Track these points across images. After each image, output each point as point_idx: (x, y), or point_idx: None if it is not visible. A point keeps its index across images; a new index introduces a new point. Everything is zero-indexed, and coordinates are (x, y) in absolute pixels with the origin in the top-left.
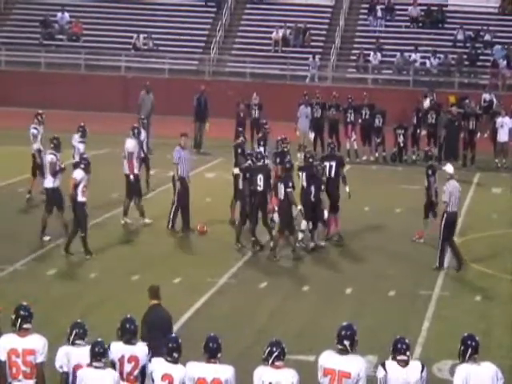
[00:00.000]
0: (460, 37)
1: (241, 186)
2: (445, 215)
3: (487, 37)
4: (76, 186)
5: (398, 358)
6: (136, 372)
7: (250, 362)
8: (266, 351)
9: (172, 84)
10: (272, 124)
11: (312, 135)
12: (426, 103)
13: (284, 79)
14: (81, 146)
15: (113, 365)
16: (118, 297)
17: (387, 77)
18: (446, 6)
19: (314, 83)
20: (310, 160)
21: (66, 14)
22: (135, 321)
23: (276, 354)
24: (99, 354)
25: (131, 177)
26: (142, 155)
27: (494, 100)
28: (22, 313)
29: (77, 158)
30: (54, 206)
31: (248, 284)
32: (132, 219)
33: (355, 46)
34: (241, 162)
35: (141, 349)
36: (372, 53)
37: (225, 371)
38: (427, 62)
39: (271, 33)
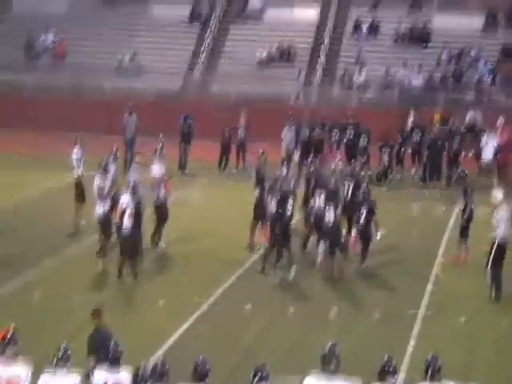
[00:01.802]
0: (444, 55)
1: (273, 209)
2: (496, 242)
3: (471, 54)
4: (123, 212)
5: (385, 381)
6: None
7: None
8: (251, 374)
9: (156, 105)
10: (257, 145)
11: (297, 155)
12: (410, 122)
13: (269, 99)
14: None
15: None
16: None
17: (372, 95)
18: (431, 24)
19: (299, 103)
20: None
21: (50, 34)
22: (119, 345)
23: (260, 376)
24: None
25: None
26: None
27: (479, 118)
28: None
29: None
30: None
31: (233, 306)
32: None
33: (340, 64)
34: (258, 183)
35: (125, 376)
36: (356, 71)
37: None
38: (412, 80)
39: (256, 52)
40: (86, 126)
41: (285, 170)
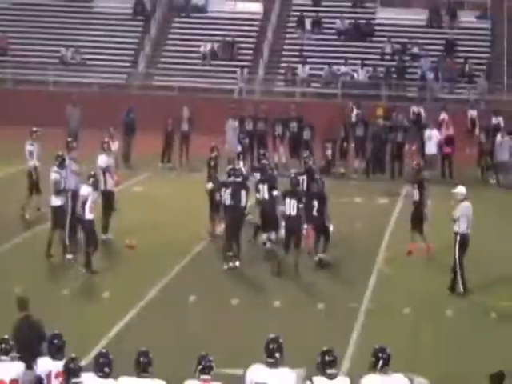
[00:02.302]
0: (388, 49)
1: (228, 202)
2: (458, 237)
3: (415, 49)
4: (84, 203)
5: (326, 371)
6: None
7: (181, 377)
8: (195, 365)
9: (100, 98)
10: (200, 138)
11: (239, 148)
12: (354, 116)
13: (212, 93)
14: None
15: (40, 381)
16: (46, 312)
17: (315, 90)
18: (374, 19)
19: (242, 96)
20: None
21: None
22: (62, 336)
23: (204, 367)
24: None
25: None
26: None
27: (422, 113)
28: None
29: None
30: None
31: (177, 298)
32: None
33: (283, 59)
34: (212, 176)
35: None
36: (300, 66)
37: None
38: (355, 74)
39: (199, 46)
40: (28, 119)
41: (240, 163)
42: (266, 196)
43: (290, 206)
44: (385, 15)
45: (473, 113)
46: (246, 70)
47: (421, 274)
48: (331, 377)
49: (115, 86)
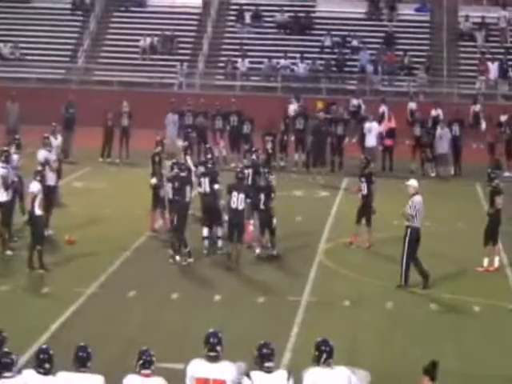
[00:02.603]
0: (327, 42)
1: (170, 196)
2: (409, 230)
3: (354, 42)
4: (34, 199)
5: (264, 365)
6: None
7: (120, 371)
8: (135, 360)
9: (39, 93)
10: (140, 132)
11: (181, 143)
12: (294, 109)
13: (152, 87)
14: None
15: None
16: None
17: (255, 83)
18: (314, 12)
19: (182, 91)
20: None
21: None
22: (2, 331)
23: (144, 362)
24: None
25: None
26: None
27: (362, 105)
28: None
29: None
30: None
31: (117, 293)
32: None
33: (223, 52)
34: (156, 171)
35: None
36: (240, 60)
37: (94, 380)
38: (295, 68)
39: (139, 41)
40: None
41: (188, 157)
42: (208, 190)
43: (238, 200)
44: (324, 8)
45: (412, 105)
46: (185, 64)
47: (361, 267)
48: (269, 370)
49: (54, 81)
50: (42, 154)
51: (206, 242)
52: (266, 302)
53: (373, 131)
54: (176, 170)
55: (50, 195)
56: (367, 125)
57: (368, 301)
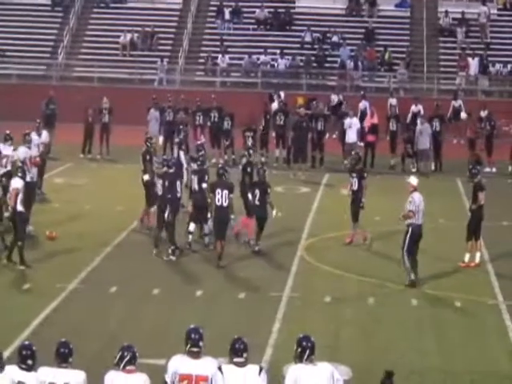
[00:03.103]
0: (308, 38)
1: (159, 192)
2: (410, 228)
3: (334, 38)
4: (16, 195)
5: (235, 359)
6: None
7: (102, 367)
8: (118, 356)
9: (19, 89)
10: (121, 128)
11: (161, 139)
12: (274, 105)
13: (132, 83)
14: (11, 153)
15: None
16: None
17: (235, 79)
18: (294, 8)
19: (163, 87)
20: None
21: None
22: None
23: (127, 358)
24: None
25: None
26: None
27: (342, 101)
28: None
29: (9, 167)
30: None
31: (98, 289)
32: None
33: (203, 48)
34: (148, 168)
35: None
36: (220, 55)
37: (76, 376)
38: (275, 64)
39: (119, 37)
40: None
41: (181, 154)
42: (197, 187)
43: (222, 197)
44: (304, 4)
45: (392, 101)
46: (165, 60)
47: (343, 263)
48: (241, 365)
49: (34, 77)
50: (22, 151)
51: (191, 237)
52: (247, 298)
53: (353, 127)
54: (165, 168)
55: (30, 191)
56: (347, 121)
57: (350, 297)
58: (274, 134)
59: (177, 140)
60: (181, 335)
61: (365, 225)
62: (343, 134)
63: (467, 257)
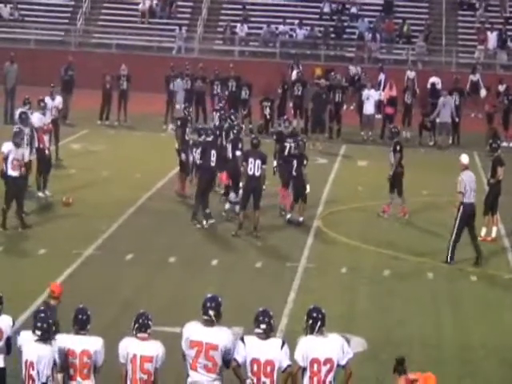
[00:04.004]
0: (326, 9)
1: (198, 161)
2: (461, 207)
3: (353, 9)
4: (5, 159)
5: (257, 330)
6: (1, 343)
7: (118, 334)
8: (133, 323)
9: (38, 54)
10: (139, 95)
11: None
12: (293, 75)
13: (151, 51)
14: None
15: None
16: None
17: (254, 49)
18: None
19: (181, 55)
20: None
21: None
22: None
23: (142, 325)
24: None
25: (46, 151)
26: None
27: (360, 73)
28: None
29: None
30: None
31: (114, 256)
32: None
33: (222, 17)
34: (179, 135)
35: (4, 320)
36: (239, 25)
37: (94, 343)
38: (294, 34)
39: (138, 4)
40: None
41: (216, 119)
42: (230, 155)
43: (255, 167)
44: None
45: (410, 74)
46: (184, 29)
47: (359, 234)
48: (263, 337)
49: (53, 42)
50: (36, 117)
51: (228, 206)
52: (263, 267)
53: (371, 99)
54: (203, 135)
55: (45, 158)
56: (365, 92)
57: (366, 268)
58: (291, 105)
59: (217, 107)
60: (196, 304)
61: (381, 198)
62: (361, 105)
63: (484, 231)
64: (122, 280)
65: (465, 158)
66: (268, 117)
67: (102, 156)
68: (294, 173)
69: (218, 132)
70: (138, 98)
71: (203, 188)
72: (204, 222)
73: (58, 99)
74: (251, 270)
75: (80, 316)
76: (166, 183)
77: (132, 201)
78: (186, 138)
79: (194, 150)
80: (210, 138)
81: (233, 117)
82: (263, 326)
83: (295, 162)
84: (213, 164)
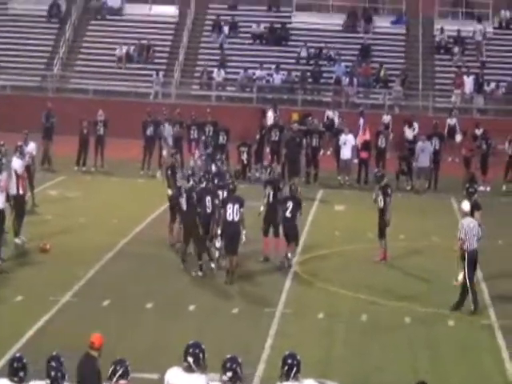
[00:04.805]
0: (303, 54)
1: (184, 208)
2: (466, 254)
3: (330, 54)
4: None
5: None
6: None
7: None
8: (110, 370)
9: (15, 100)
10: (116, 141)
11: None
12: (270, 120)
13: (128, 96)
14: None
15: None
16: None
17: (231, 94)
18: (290, 23)
19: (158, 100)
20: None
21: None
22: None
23: (120, 372)
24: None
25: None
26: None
27: (336, 118)
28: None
29: None
30: None
31: (91, 302)
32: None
33: (199, 62)
34: (171, 183)
35: None
36: (216, 70)
37: None
38: (271, 79)
39: (115, 49)
40: None
41: (213, 167)
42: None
43: (233, 212)
44: (300, 19)
45: (386, 118)
46: (161, 74)
47: (336, 279)
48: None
49: (30, 88)
50: (18, 164)
51: (217, 253)
52: (240, 313)
53: (348, 144)
54: (192, 182)
55: (23, 204)
56: (343, 137)
57: (343, 313)
58: (268, 149)
59: (208, 152)
60: (173, 350)
61: (357, 241)
62: (338, 150)
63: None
64: (99, 327)
65: (466, 205)
66: (245, 162)
67: (79, 202)
68: (288, 214)
69: (209, 177)
70: (115, 143)
71: (201, 234)
72: (199, 272)
73: (32, 145)
74: (229, 316)
75: (52, 363)
76: (144, 228)
77: (109, 246)
78: (178, 184)
79: (183, 196)
80: (203, 185)
81: (219, 163)
82: (229, 374)
83: (291, 204)
84: (209, 210)
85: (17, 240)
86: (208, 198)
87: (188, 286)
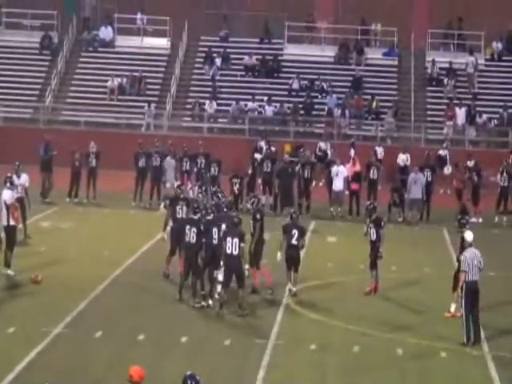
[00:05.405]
0: (295, 85)
1: (193, 240)
2: (464, 285)
3: (322, 86)
4: None
5: None
6: None
7: None
8: None
9: (7, 132)
10: (108, 172)
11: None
12: (261, 146)
13: (120, 128)
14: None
15: None
16: None
17: (222, 126)
18: (282, 55)
19: (150, 132)
20: None
21: None
22: None
23: None
24: None
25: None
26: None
27: (329, 149)
28: None
29: None
30: None
31: (83, 333)
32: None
33: (190, 94)
34: (170, 214)
35: None
36: (208, 101)
37: None
38: (263, 110)
39: (107, 81)
40: None
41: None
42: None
43: (232, 245)
44: (292, 51)
45: (378, 149)
46: (153, 105)
47: (328, 310)
48: None
49: (21, 120)
50: (8, 195)
51: (219, 287)
52: (232, 345)
53: (340, 175)
54: (199, 215)
55: (13, 236)
56: (334, 168)
57: (335, 345)
58: (260, 181)
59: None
60: (165, 381)
61: (349, 273)
62: (330, 181)
63: (453, 307)
64: (92, 358)
65: (469, 236)
66: (237, 193)
67: (71, 233)
68: (294, 242)
69: (215, 209)
70: (107, 175)
71: (204, 266)
72: (202, 303)
73: (24, 177)
74: (221, 347)
75: None
76: (136, 260)
77: (101, 278)
78: (177, 216)
79: (188, 227)
80: (209, 217)
81: (220, 195)
82: None
83: (296, 232)
84: (215, 242)
85: (9, 271)
86: (215, 230)
87: (180, 318)
